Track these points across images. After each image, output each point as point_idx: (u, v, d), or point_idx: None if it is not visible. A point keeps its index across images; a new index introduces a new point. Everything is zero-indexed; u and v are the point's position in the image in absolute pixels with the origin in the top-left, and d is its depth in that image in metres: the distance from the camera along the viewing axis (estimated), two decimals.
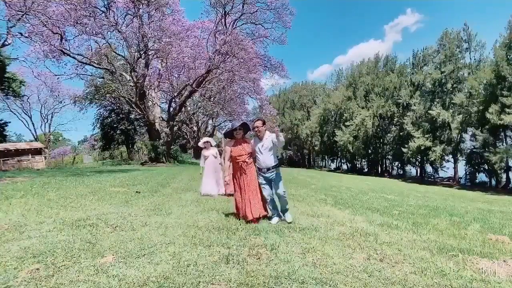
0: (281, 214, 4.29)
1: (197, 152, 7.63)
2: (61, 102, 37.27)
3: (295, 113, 51.45)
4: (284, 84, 64.20)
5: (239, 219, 4.14)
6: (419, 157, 33.62)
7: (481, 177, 31.54)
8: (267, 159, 4.14)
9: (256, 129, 4.17)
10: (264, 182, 4.21)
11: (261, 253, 2.87)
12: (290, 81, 65.75)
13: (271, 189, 4.25)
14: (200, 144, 7.16)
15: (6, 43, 15.82)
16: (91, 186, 7.44)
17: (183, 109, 26.32)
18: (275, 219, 4.17)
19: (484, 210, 7.14)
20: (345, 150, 40.35)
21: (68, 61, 18.02)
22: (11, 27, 14.71)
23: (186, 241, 3.17)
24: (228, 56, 19.69)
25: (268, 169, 4.13)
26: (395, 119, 38.24)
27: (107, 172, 12.98)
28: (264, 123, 4.25)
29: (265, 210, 4.25)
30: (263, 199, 4.23)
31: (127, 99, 22.36)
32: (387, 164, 42.81)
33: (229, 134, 4.43)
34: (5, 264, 2.43)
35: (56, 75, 19.67)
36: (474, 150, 29.62)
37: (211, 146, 7.08)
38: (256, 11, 21.51)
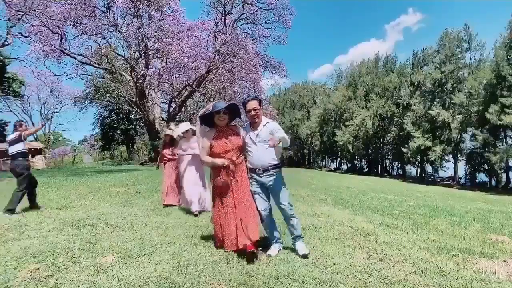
0: (281, 240, 3.00)
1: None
2: (61, 102, 37.13)
3: (295, 113, 51.44)
4: (284, 84, 64.14)
5: (220, 248, 2.89)
6: (419, 157, 33.58)
7: (481, 177, 31.56)
8: (264, 154, 2.79)
9: (253, 113, 2.80)
10: (258, 189, 2.85)
11: (261, 253, 2.87)
12: (290, 81, 65.71)
13: (268, 200, 2.89)
14: (179, 132, 4.91)
15: (6, 43, 15.85)
16: (91, 186, 7.43)
17: (183, 109, 26.26)
18: (274, 248, 2.84)
19: (484, 210, 7.13)
20: (345, 150, 40.32)
21: (68, 61, 17.99)
22: (11, 27, 14.73)
23: (186, 241, 3.17)
24: (228, 56, 19.68)
25: (266, 169, 2.79)
26: (395, 119, 38.23)
27: (107, 172, 12.97)
28: (260, 103, 2.88)
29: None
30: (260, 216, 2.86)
31: (127, 99, 22.35)
32: (387, 164, 42.81)
33: (206, 119, 2.91)
34: (5, 264, 2.43)
35: (56, 75, 19.65)
36: (474, 150, 29.64)
37: (193, 135, 4.61)
38: (256, 11, 21.50)
